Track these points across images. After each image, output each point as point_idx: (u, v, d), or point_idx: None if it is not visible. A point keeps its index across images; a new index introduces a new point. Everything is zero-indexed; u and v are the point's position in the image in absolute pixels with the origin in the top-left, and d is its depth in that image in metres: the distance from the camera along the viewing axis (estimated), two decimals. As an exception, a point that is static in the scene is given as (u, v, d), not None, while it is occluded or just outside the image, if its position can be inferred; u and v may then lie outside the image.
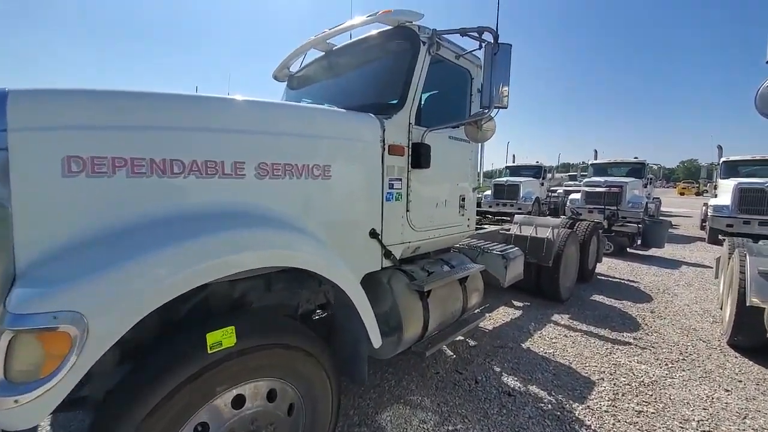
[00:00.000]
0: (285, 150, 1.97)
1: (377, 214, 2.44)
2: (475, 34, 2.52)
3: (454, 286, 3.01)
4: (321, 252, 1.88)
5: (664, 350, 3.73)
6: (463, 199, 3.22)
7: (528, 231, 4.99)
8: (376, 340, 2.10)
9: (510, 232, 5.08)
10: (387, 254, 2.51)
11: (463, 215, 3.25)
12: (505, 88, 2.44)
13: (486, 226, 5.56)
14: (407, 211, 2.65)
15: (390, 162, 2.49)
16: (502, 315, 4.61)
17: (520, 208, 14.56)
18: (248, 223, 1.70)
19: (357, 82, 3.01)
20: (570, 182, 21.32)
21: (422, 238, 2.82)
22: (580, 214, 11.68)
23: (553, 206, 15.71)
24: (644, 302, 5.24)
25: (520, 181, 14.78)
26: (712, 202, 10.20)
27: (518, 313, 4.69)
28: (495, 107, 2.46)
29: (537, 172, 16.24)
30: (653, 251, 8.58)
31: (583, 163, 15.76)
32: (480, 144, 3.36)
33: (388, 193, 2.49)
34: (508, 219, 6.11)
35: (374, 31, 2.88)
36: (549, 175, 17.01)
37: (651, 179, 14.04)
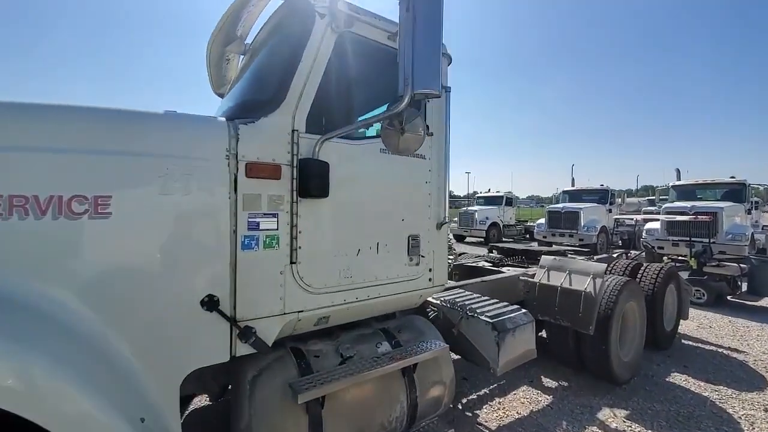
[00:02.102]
0: (9, 172, 1.19)
1: (221, 272, 1.52)
2: (389, -13, 1.61)
3: (390, 380, 1.91)
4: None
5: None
6: (416, 241, 2.16)
7: (559, 279, 3.61)
8: None
9: (534, 280, 3.75)
10: (244, 334, 1.56)
11: (418, 264, 2.17)
12: (435, 65, 1.46)
13: (505, 270, 4.26)
14: (292, 263, 1.69)
15: (251, 189, 1.59)
16: (521, 401, 3.24)
17: (581, 240, 12.42)
18: None
19: (249, 79, 2.22)
20: (650, 208, 18.08)
21: (329, 304, 1.82)
22: (661, 249, 9.40)
23: (626, 237, 13.16)
24: (753, 390, 3.44)
25: (580, 208, 12.71)
26: None
27: (546, 399, 3.27)
28: (418, 94, 1.47)
29: (602, 196, 13.91)
30: (765, 301, 6.25)
31: (666, 185, 13.00)
32: (443, 160, 2.30)
33: (245, 236, 1.57)
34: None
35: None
36: (618, 200, 14.47)
37: (757, 203, 11.04)
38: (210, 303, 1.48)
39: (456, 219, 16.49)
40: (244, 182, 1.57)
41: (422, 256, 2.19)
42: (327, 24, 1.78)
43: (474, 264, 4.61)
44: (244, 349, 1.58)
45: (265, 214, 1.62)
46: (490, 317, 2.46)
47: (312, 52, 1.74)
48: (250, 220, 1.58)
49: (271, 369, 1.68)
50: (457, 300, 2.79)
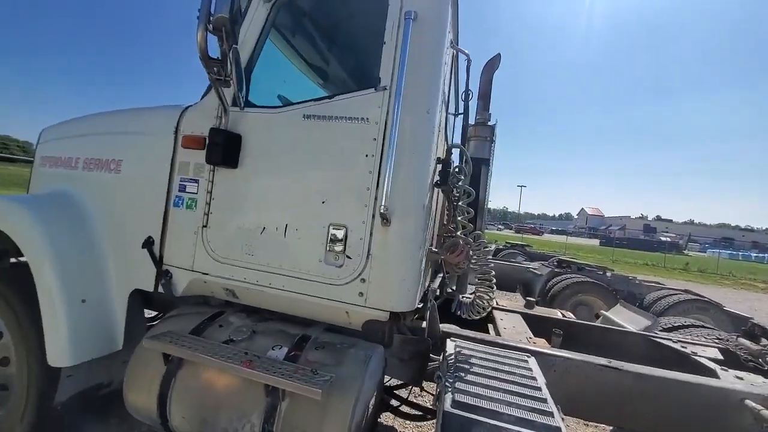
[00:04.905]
0: (95, 147, 2.20)
1: (157, 221, 1.94)
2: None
3: (247, 388, 1.60)
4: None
5: None
6: (341, 234, 1.65)
7: None
8: (56, 357, 1.74)
9: (758, 411, 1.57)
10: (160, 275, 1.90)
11: (341, 266, 1.66)
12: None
13: (725, 373, 2.03)
14: (203, 226, 1.86)
15: (185, 157, 1.92)
16: None
17: None
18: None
19: None
20: None
21: (229, 276, 1.81)
22: None
23: None
24: None
25: None
26: None
27: None
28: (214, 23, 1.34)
29: None
30: None
31: None
32: (406, 124, 1.56)
33: (177, 196, 1.92)
34: None
35: None
36: None
37: None
38: (147, 242, 1.94)
39: None
40: (181, 152, 1.92)
41: (348, 257, 1.64)
42: None
43: (669, 342, 2.45)
44: (161, 287, 1.92)
45: (191, 179, 1.90)
46: (453, 405, 1.38)
47: (244, 27, 1.82)
48: (180, 182, 1.92)
49: (181, 317, 1.91)
50: (475, 363, 1.73)
